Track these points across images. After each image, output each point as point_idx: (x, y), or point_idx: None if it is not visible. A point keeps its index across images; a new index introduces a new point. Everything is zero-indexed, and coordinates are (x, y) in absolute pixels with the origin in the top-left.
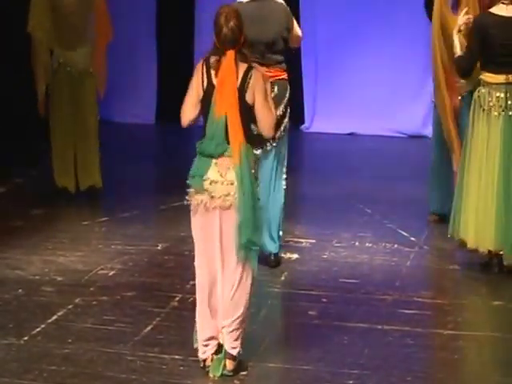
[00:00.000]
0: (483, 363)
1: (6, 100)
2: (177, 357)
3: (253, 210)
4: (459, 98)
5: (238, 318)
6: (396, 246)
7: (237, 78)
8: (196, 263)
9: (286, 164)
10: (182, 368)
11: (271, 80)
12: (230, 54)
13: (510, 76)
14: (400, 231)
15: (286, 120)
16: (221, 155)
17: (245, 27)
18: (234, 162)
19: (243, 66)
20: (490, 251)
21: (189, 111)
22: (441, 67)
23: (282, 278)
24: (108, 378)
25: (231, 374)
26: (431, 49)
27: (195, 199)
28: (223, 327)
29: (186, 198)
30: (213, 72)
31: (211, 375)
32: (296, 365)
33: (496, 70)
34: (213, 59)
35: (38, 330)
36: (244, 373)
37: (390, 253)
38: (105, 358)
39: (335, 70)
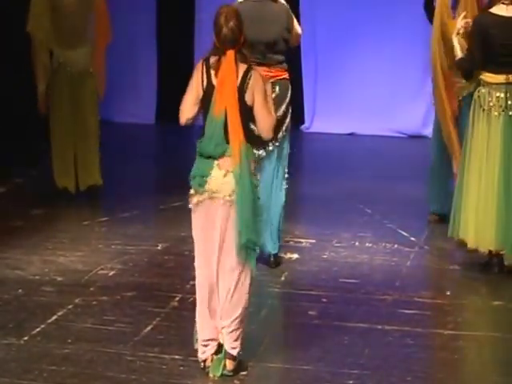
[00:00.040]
0: (483, 363)
1: (6, 100)
2: (177, 357)
3: (253, 209)
4: (459, 98)
5: (237, 318)
6: (396, 246)
7: (237, 77)
8: (196, 263)
9: (287, 164)
10: (182, 368)
11: (272, 80)
12: (230, 53)
13: (510, 76)
14: (400, 231)
15: (288, 120)
16: (221, 156)
17: (245, 27)
18: (233, 161)
19: (243, 67)
20: (490, 251)
21: (187, 110)
22: (440, 73)
23: (282, 278)
24: (108, 378)
25: (231, 374)
26: (431, 53)
27: (196, 199)
28: (223, 327)
29: (188, 198)
30: (213, 72)
31: (211, 375)
32: (296, 365)
33: (496, 70)
34: (213, 59)
35: (38, 330)
36: (244, 373)
37: (389, 253)
38: (105, 358)
39: (335, 70)
